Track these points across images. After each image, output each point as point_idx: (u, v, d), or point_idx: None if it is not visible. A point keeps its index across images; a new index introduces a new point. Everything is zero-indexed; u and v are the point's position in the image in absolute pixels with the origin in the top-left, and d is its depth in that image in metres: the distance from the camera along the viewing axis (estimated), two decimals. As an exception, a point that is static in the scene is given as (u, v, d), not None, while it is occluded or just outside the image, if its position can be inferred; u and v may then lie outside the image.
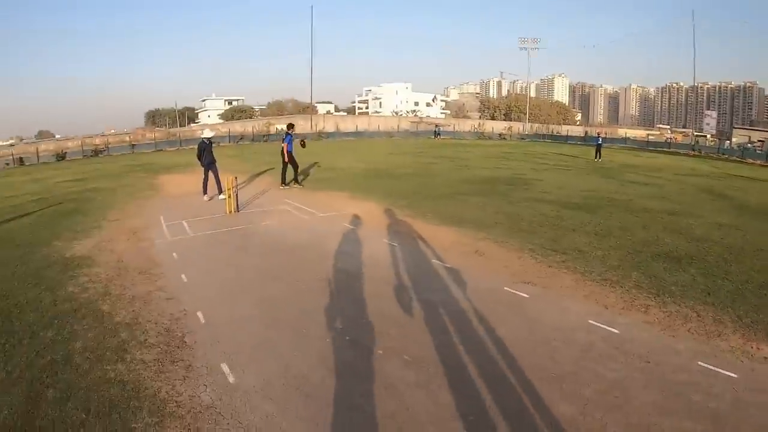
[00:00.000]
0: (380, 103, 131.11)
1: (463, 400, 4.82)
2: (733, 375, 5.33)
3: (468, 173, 22.43)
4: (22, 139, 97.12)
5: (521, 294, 7.55)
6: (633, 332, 6.23)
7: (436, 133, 64.08)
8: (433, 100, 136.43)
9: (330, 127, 64.12)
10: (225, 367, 5.37)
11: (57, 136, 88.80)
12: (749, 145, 65.72)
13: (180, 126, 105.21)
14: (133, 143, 44.66)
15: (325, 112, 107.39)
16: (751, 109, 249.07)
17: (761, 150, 57.61)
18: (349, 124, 70.69)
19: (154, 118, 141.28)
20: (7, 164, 37.43)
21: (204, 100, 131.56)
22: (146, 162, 28.57)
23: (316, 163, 25.92)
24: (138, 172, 23.63)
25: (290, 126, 18.31)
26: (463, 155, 34.13)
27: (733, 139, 76.10)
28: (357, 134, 62.65)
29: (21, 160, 38.91)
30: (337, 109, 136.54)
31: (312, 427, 4.43)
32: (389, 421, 4.53)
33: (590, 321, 6.57)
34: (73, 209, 14.48)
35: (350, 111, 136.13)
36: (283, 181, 17.84)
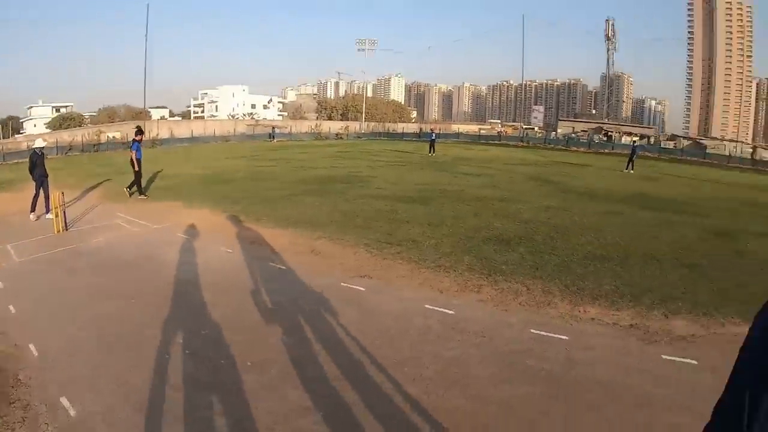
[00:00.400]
0: (216, 106, 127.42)
1: (310, 396, 4.81)
2: (564, 337, 5.85)
3: (304, 174, 22.44)
4: None
5: (358, 288, 7.69)
6: (467, 312, 6.59)
7: (271, 136, 63.53)
8: (269, 102, 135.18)
9: (164, 133, 60.77)
10: (65, 401, 4.88)
11: None
12: (573, 135, 72.73)
13: (3, 138, 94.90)
14: (-52, 159, 39.53)
15: (159, 118, 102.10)
16: (575, 103, 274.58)
17: (584, 139, 63.95)
18: (183, 130, 67.50)
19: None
20: None
21: (30, 108, 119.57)
22: (-35, 180, 25.49)
23: (151, 172, 24.66)
24: (-45, 192, 20.97)
25: (139, 132, 17.10)
26: (300, 156, 34.11)
27: (559, 130, 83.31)
28: (192, 140, 60.05)
29: None
30: (171, 114, 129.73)
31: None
32: (236, 428, 4.41)
33: (426, 306, 6.85)
34: None
35: (185, 116, 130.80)
36: (140, 191, 16.58)
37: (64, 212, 12.54)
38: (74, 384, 5.23)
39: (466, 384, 4.97)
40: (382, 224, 11.59)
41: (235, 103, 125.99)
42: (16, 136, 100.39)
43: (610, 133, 75.97)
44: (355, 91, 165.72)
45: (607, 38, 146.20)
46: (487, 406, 4.63)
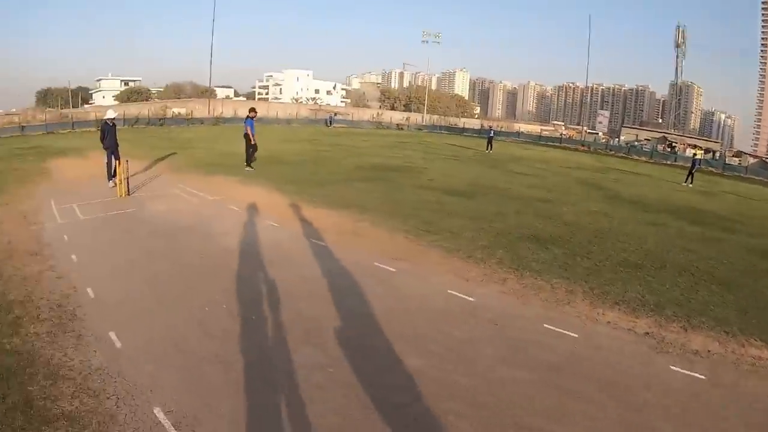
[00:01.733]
0: (281, 89, 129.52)
1: (321, 357, 5.34)
2: (574, 335, 6.08)
3: (359, 161, 22.85)
4: None
5: (389, 268, 8.08)
6: (488, 301, 6.88)
7: (329, 122, 63.86)
8: (333, 88, 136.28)
9: (228, 113, 62.28)
10: (112, 335, 5.63)
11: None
12: (636, 143, 70.93)
13: (73, 107, 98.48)
14: (22, 124, 41.27)
15: (224, 97, 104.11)
16: (642, 110, 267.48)
17: (647, 148, 62.39)
18: (246, 110, 68.83)
19: (45, 97, 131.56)
20: None
21: (99, 80, 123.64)
22: (37, 145, 26.59)
23: (214, 149, 25.57)
24: (28, 155, 21.96)
25: (252, 110, 19.20)
26: (358, 144, 34.57)
27: (622, 137, 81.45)
28: (256, 120, 61.12)
29: None
30: (236, 94, 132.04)
31: (185, 377, 4.92)
32: (255, 375, 4.96)
33: (449, 291, 7.18)
34: (-40, 193, 13.62)
35: (250, 96, 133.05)
36: (248, 163, 18.38)
37: (128, 179, 13.30)
38: (123, 323, 5.95)
39: (467, 363, 5.32)
40: (426, 214, 11.89)
41: (299, 87, 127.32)
42: (85, 106, 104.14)
43: (674, 144, 74.06)
44: (419, 83, 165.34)
45: (677, 45, 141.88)
46: (482, 384, 4.99)
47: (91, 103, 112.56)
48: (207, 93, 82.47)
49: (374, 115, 77.58)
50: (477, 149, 36.69)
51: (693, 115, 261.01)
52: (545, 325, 6.22)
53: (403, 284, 7.43)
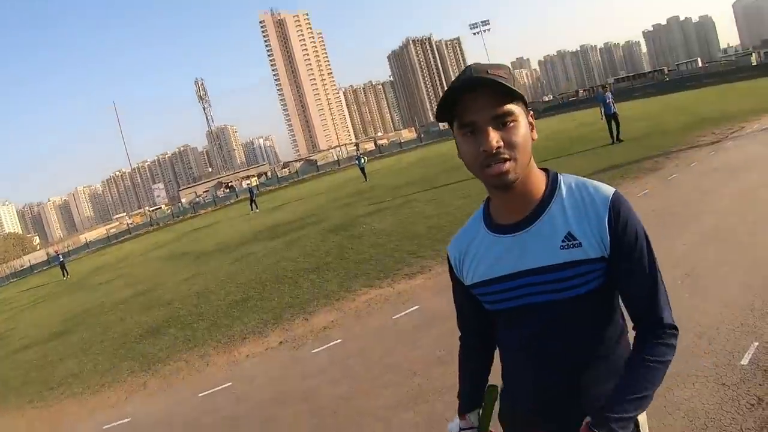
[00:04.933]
0: None
1: None
2: (227, 384, 6.45)
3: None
4: None
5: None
6: (141, 411, 6.70)
7: None
8: None
9: None
10: None
11: None
12: (198, 199, 74.11)
13: None
14: None
15: None
16: (191, 168, 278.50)
17: (209, 198, 65.94)
18: None
19: None
20: None
21: None
22: None
23: None
24: None
25: None
26: None
27: (183, 199, 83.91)
28: None
29: None
30: None
31: None
32: None
33: (104, 427, 6.80)
34: None
35: None
36: None
37: None
38: None
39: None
40: (37, 374, 10.75)
41: None
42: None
43: (231, 184, 79.21)
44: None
45: (200, 98, 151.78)
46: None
47: None
48: None
49: None
50: (54, 280, 33.60)
51: (236, 151, 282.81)
52: (200, 395, 6.39)
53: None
